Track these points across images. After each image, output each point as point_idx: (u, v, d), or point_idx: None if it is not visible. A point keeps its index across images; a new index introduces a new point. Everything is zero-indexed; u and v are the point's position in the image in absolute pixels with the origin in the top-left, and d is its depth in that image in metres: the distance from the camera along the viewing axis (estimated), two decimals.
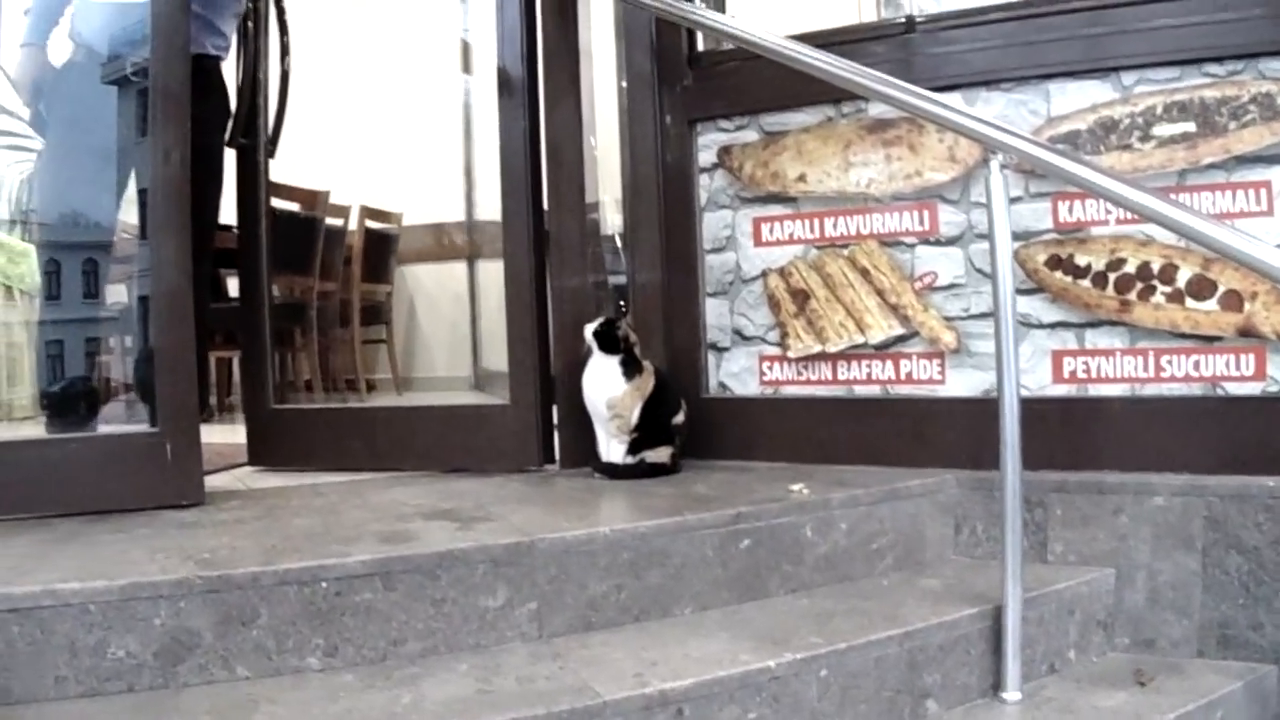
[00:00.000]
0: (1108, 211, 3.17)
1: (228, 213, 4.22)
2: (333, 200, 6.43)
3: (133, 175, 3.52)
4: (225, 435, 4.73)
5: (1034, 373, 3.26)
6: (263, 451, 4.05)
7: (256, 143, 4.02)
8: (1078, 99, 3.22)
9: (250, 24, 3.92)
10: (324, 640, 2.36)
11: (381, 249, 7.07)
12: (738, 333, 3.75)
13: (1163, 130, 3.12)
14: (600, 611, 2.61)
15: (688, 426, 3.55)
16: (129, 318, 3.58)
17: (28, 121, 3.98)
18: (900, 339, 3.47)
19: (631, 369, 3.43)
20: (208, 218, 3.93)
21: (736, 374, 3.76)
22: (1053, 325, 3.26)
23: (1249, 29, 3.02)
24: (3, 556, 2.52)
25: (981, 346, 3.34)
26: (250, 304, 4.08)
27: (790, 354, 3.64)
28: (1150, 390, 3.16)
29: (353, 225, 6.76)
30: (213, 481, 3.39)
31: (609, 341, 3.42)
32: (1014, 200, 3.15)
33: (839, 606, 2.75)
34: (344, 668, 2.36)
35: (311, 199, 6.21)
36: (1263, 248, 2.17)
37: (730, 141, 3.73)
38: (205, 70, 3.73)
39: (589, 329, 3.45)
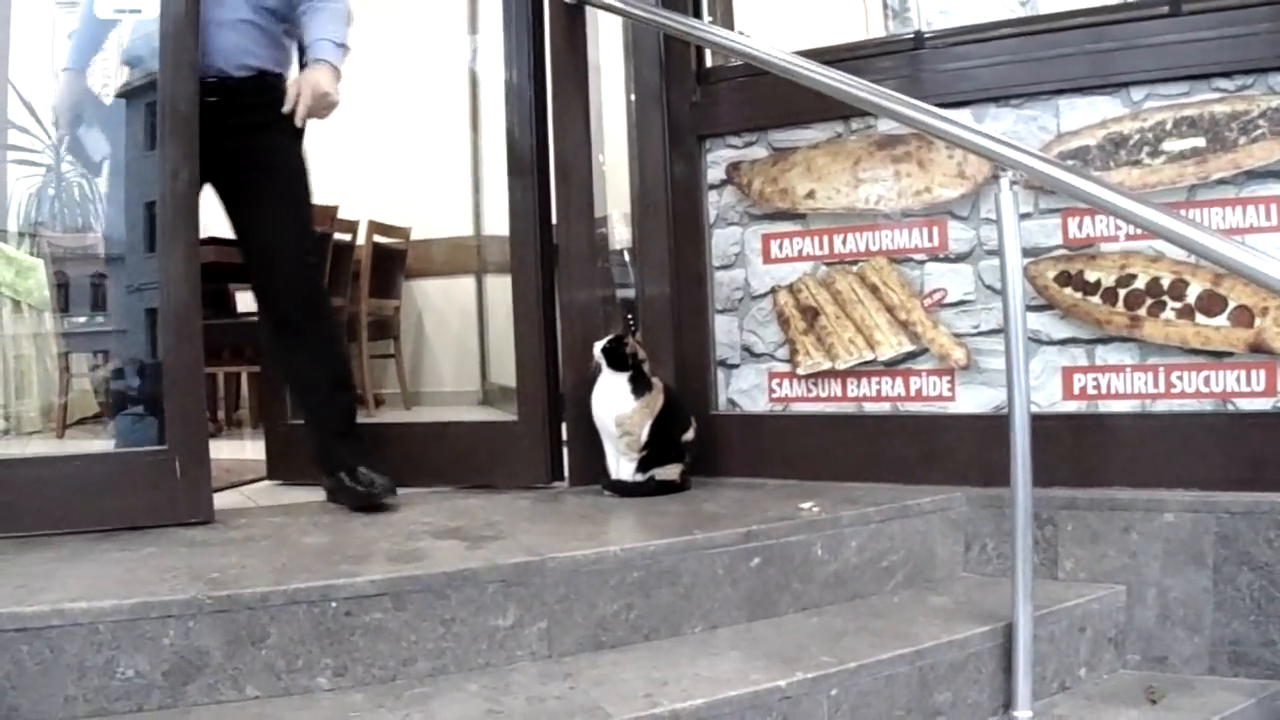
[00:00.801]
0: (1117, 227, 3.16)
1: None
2: (340, 215, 6.43)
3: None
4: (234, 451, 4.73)
5: (1044, 389, 3.25)
6: (280, 466, 4.06)
7: None
8: (1087, 115, 3.22)
9: None
10: (333, 660, 2.35)
11: (389, 264, 7.07)
12: (747, 349, 3.75)
13: (1172, 146, 3.12)
14: (610, 631, 2.61)
15: (697, 444, 3.54)
16: None
17: (66, 147, 4.04)
18: (910, 356, 3.47)
19: (641, 386, 3.42)
20: (310, 235, 3.75)
21: (746, 391, 3.76)
22: (1063, 342, 3.25)
23: (1258, 44, 3.02)
24: (10, 575, 2.52)
25: (991, 363, 3.33)
26: None
27: (800, 371, 3.64)
28: (1160, 406, 3.15)
29: (360, 240, 6.75)
30: (221, 499, 3.38)
31: (618, 359, 3.42)
32: (1024, 216, 3.14)
33: (849, 625, 2.74)
34: (353, 687, 2.35)
35: (320, 214, 6.20)
36: (1273, 264, 2.16)
37: (739, 158, 3.73)
38: (273, 86, 3.58)
39: (598, 346, 3.45)
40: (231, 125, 3.32)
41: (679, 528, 2.87)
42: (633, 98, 3.95)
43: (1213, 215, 3.07)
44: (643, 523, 3.06)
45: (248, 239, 3.55)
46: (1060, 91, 3.25)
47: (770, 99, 3.61)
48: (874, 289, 3.50)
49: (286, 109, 3.36)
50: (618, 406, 3.41)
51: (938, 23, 3.83)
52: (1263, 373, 3.04)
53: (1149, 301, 3.14)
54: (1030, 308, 3.16)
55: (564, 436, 3.74)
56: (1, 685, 2.17)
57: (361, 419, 3.61)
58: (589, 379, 3.53)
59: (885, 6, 5.64)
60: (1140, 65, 3.15)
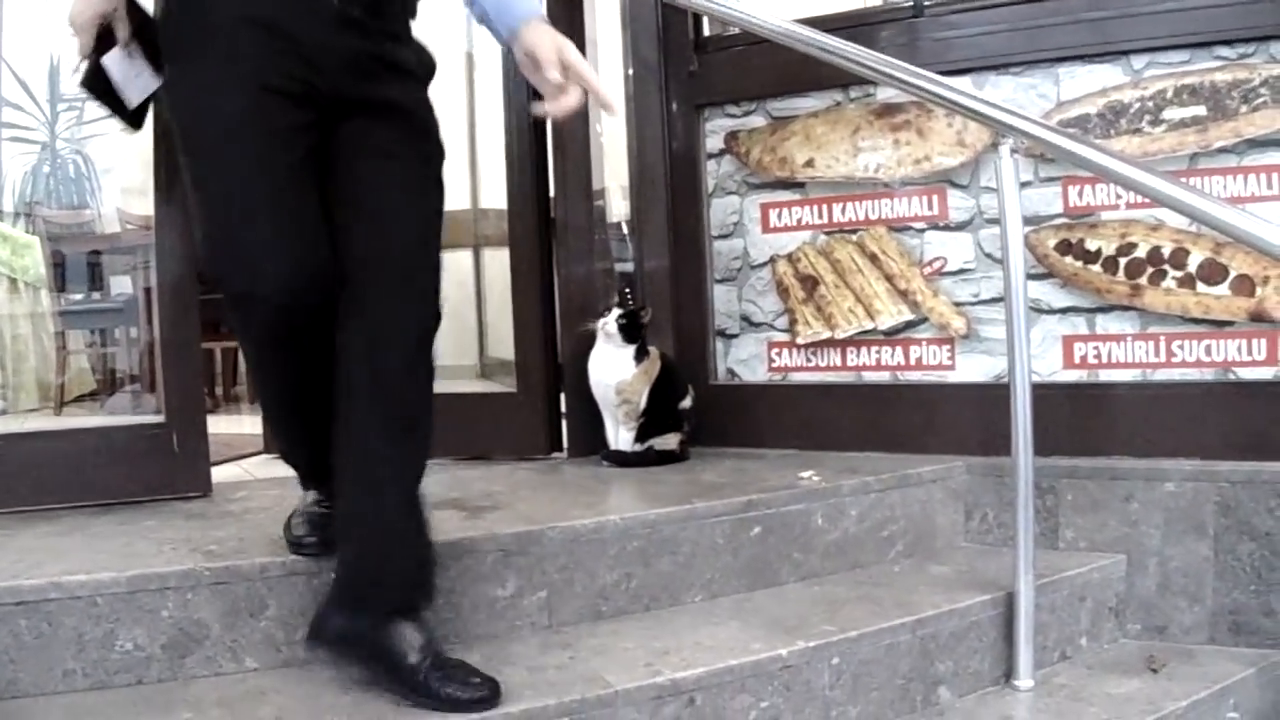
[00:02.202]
0: (1118, 196, 3.15)
1: None
2: None
3: None
4: (231, 426, 4.72)
5: (1044, 358, 3.24)
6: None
7: None
8: (1087, 83, 3.20)
9: None
10: None
11: None
12: (746, 319, 3.74)
13: (1173, 114, 3.10)
14: (610, 600, 2.61)
15: (695, 412, 3.55)
16: None
17: None
18: (909, 325, 3.46)
19: (640, 352, 3.42)
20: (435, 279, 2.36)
21: (745, 361, 3.75)
22: (1063, 310, 3.24)
23: (1260, 12, 3.00)
24: (8, 549, 2.51)
25: (991, 332, 3.32)
26: None
27: (799, 340, 3.63)
28: (1161, 375, 3.14)
29: None
30: (219, 473, 3.37)
31: (633, 331, 3.42)
32: (1024, 185, 3.13)
33: (850, 594, 2.74)
34: None
35: None
36: (1275, 230, 2.15)
37: (737, 127, 3.72)
38: None
39: (611, 324, 3.41)
40: (365, 53, 2.21)
41: (678, 497, 2.86)
42: (630, 72, 3.92)
43: (1214, 183, 3.05)
44: (642, 492, 3.06)
45: (343, 255, 2.22)
46: (1060, 60, 3.24)
47: (769, 68, 3.59)
48: (873, 258, 3.49)
49: (566, 107, 2.21)
50: (618, 374, 3.40)
51: None
52: (1264, 342, 3.03)
53: (1150, 270, 3.12)
54: (1030, 276, 3.14)
55: (563, 408, 3.73)
56: (0, 659, 2.16)
57: None
58: (586, 349, 3.51)
59: None
60: (1141, 33, 3.13)
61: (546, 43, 2.22)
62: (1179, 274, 3.09)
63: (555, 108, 2.22)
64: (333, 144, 2.22)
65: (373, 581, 2.15)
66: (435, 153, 2.33)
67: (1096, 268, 3.18)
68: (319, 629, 2.19)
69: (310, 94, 2.14)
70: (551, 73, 2.17)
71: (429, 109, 2.34)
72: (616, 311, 3.42)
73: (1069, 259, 3.21)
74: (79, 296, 6.54)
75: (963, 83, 3.15)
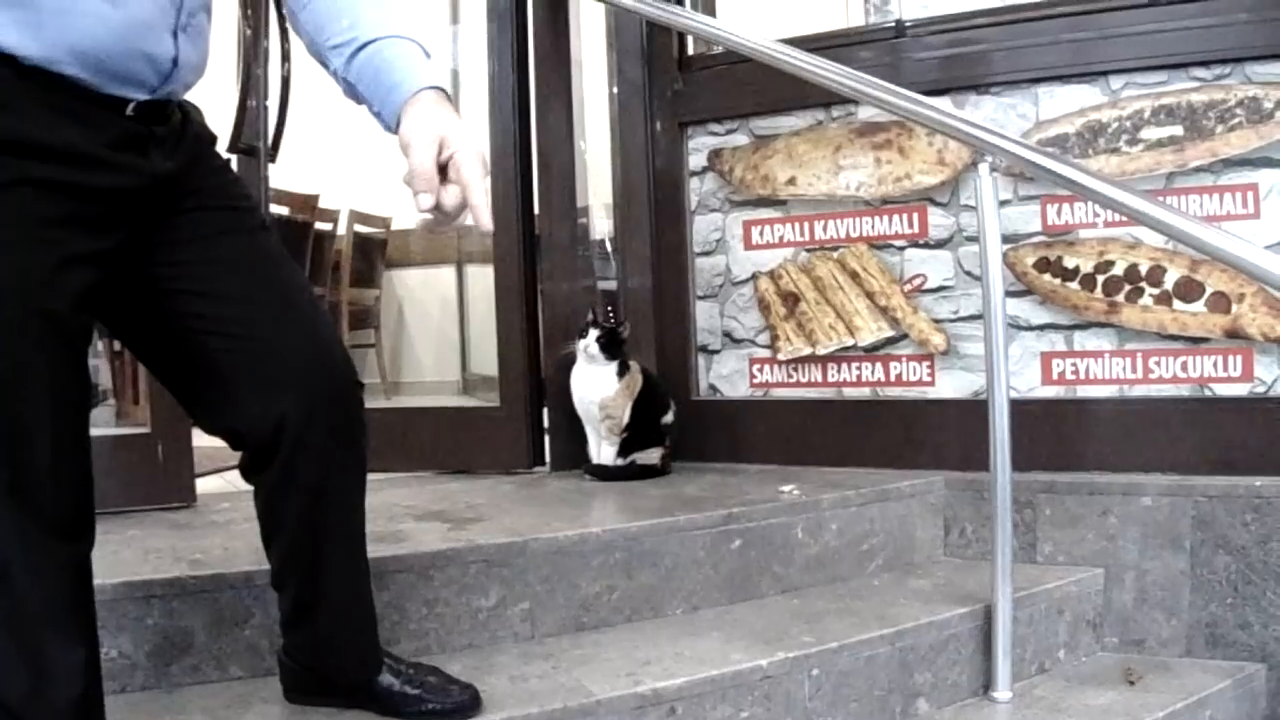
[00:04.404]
0: (1096, 214, 3.18)
1: None
2: (322, 204, 6.41)
3: None
4: (214, 439, 4.71)
5: (1023, 374, 3.27)
6: None
7: (256, 148, 3.98)
8: (1066, 103, 3.24)
9: (249, 29, 3.87)
10: None
11: (370, 253, 7.05)
12: (728, 335, 3.76)
13: (1150, 134, 3.13)
14: (592, 611, 2.62)
15: (677, 427, 3.57)
16: None
17: None
18: (890, 341, 3.48)
19: (622, 368, 3.44)
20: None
21: (727, 376, 3.77)
22: (1041, 327, 3.27)
23: (1235, 34, 3.04)
24: None
25: (970, 348, 3.35)
26: None
27: (780, 356, 3.65)
28: (1138, 391, 3.17)
29: (341, 229, 6.73)
30: (203, 484, 3.38)
31: (614, 348, 3.43)
32: (1003, 203, 3.16)
33: (830, 606, 2.76)
34: None
35: (302, 203, 6.19)
36: (1251, 249, 2.17)
37: (720, 145, 3.74)
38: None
39: (593, 345, 3.41)
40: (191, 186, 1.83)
41: (660, 510, 2.89)
42: (615, 90, 3.95)
43: (1190, 202, 3.09)
44: (624, 505, 3.07)
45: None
46: (1039, 80, 3.27)
47: (752, 86, 3.62)
48: (854, 275, 3.52)
49: (443, 221, 1.70)
50: (600, 389, 3.42)
51: (917, 12, 3.82)
52: (1239, 358, 3.06)
53: (1127, 288, 3.16)
54: (1009, 293, 3.17)
55: (545, 423, 3.75)
56: None
57: None
58: (569, 364, 3.53)
59: None
60: (1119, 54, 3.17)
61: (423, 129, 1.67)
62: (1156, 291, 3.12)
63: (434, 221, 1.69)
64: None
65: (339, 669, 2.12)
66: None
67: (1074, 285, 3.21)
68: (291, 696, 2.19)
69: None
70: (419, 176, 1.64)
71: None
72: (595, 332, 3.43)
73: (1047, 276, 3.24)
74: None
75: (943, 102, 3.18)
